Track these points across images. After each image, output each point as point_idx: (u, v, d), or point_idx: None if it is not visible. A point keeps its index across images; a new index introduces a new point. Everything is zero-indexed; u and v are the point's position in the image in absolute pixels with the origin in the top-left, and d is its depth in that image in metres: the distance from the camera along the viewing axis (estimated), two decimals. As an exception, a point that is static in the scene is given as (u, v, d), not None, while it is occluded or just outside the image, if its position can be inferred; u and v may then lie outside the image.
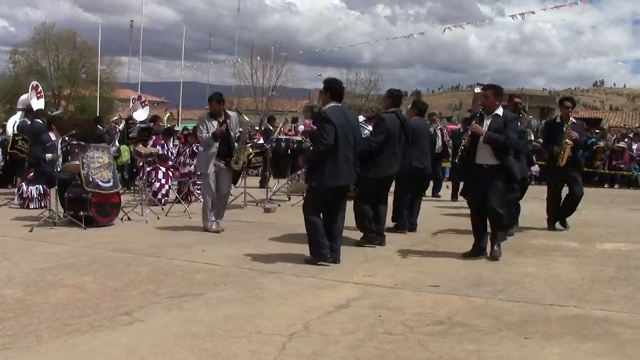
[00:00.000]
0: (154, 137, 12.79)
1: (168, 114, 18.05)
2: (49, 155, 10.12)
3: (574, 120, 9.16)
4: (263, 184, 14.23)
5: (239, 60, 45.09)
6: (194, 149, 11.77)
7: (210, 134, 8.55)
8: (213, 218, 8.77)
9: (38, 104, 13.19)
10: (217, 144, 8.60)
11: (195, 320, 4.69)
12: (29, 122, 12.22)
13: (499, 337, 4.40)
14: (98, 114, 35.30)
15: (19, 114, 13.24)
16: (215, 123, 8.66)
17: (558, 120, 9.36)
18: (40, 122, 11.83)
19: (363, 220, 7.91)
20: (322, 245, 6.68)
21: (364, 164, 7.60)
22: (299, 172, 11.41)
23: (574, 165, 9.12)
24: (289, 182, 12.68)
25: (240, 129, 9.09)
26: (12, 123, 13.07)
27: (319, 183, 6.72)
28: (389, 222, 8.87)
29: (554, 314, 4.99)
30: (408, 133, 8.18)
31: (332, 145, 6.56)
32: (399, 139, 8.01)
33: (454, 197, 13.18)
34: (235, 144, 8.87)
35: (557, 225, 9.21)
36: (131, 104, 17.06)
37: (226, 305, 5.09)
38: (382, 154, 7.82)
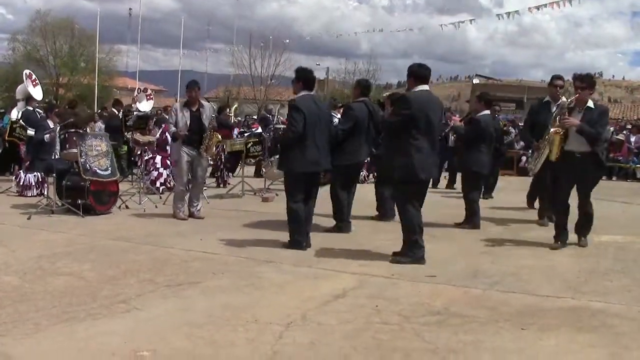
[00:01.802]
0: (163, 125, 12.77)
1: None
2: (47, 136, 10.12)
3: (591, 105, 7.11)
4: (259, 172, 14.29)
5: (237, 49, 45.07)
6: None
7: (173, 131, 8.82)
8: (180, 205, 8.91)
9: (35, 92, 13.10)
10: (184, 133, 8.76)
11: (193, 308, 4.70)
12: (31, 110, 12.17)
13: (495, 328, 4.41)
14: (96, 102, 35.26)
15: (20, 104, 13.18)
16: (188, 113, 8.77)
17: (571, 104, 7.36)
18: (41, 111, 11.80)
19: (340, 209, 8.13)
20: (300, 234, 6.94)
21: (332, 151, 7.73)
22: (272, 159, 11.61)
23: (586, 163, 7.05)
24: (264, 169, 12.82)
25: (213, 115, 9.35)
26: (16, 113, 13.02)
27: (290, 169, 6.94)
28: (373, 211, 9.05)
29: (550, 305, 5.00)
30: (377, 122, 8.29)
31: (301, 132, 6.75)
32: (368, 127, 8.20)
33: None
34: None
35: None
36: (135, 93, 17.00)
37: (223, 294, 5.10)
38: (350, 142, 8.00)
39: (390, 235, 7.84)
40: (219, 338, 4.08)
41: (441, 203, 11.08)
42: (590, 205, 7.29)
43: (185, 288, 5.26)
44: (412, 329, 4.34)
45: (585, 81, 7.13)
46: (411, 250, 6.41)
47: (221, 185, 13.26)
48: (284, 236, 7.45)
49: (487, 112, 8.87)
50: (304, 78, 7.11)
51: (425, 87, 6.54)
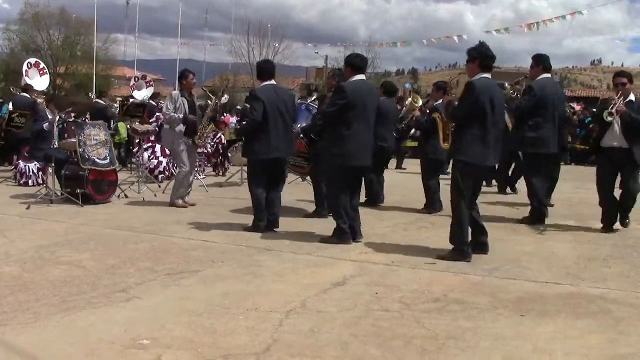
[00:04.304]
0: (156, 115, 12.74)
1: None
2: (46, 125, 10.12)
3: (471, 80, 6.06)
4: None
5: (235, 38, 44.98)
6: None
7: (182, 115, 8.71)
8: (180, 194, 8.94)
9: (41, 81, 13.03)
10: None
11: (193, 297, 4.71)
12: (27, 97, 12.15)
13: (494, 315, 4.43)
14: (94, 92, 35.13)
15: (22, 93, 13.15)
16: (185, 101, 8.78)
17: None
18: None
19: (319, 196, 8.33)
20: (261, 218, 7.23)
21: (317, 142, 7.96)
22: (237, 145, 11.79)
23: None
24: (230, 154, 13.00)
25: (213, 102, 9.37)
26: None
27: (253, 156, 7.30)
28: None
29: (549, 291, 5.01)
30: None
31: (259, 120, 7.06)
32: None
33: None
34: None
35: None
36: (132, 82, 16.85)
37: (223, 282, 5.11)
38: None
39: (389, 223, 7.88)
40: (219, 326, 4.08)
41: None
42: (454, 206, 6.07)
43: (185, 276, 5.26)
44: (412, 316, 4.35)
45: (470, 53, 6.14)
46: (338, 232, 6.65)
47: (220, 174, 13.27)
48: (284, 224, 7.48)
49: None
50: (261, 69, 7.51)
51: (361, 76, 6.75)
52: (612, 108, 7.07)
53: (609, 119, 7.07)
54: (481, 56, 6.06)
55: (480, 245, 6.14)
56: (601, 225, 7.58)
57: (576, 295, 4.91)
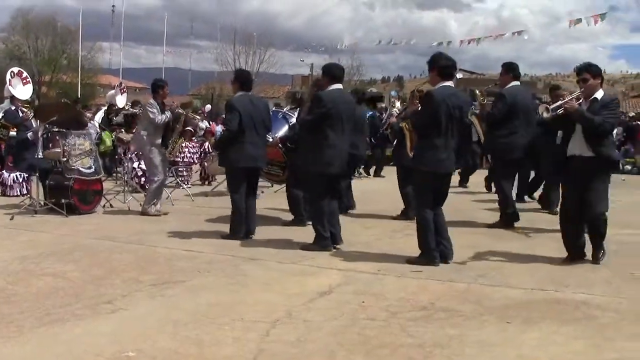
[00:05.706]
0: None
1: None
2: (30, 134, 10.08)
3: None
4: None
5: (222, 46, 45.00)
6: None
7: (169, 114, 8.81)
8: (153, 202, 8.94)
9: (23, 91, 12.94)
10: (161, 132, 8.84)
11: (178, 307, 4.69)
12: (13, 108, 12.06)
13: (480, 322, 4.45)
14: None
15: (6, 102, 13.06)
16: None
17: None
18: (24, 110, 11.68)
19: (297, 205, 8.35)
20: (239, 225, 7.32)
21: (294, 151, 8.02)
22: (213, 154, 11.89)
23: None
24: (206, 163, 13.08)
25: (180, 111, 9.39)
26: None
27: (229, 164, 7.45)
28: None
29: (534, 298, 5.04)
30: None
31: (235, 130, 7.16)
32: None
33: None
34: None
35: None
36: (111, 92, 16.94)
37: (209, 293, 5.09)
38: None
39: (375, 231, 7.89)
40: (205, 337, 4.07)
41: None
42: (417, 213, 6.43)
43: (171, 287, 5.24)
44: (399, 324, 4.36)
45: (428, 63, 6.26)
46: (319, 239, 6.70)
47: (206, 183, 13.24)
48: (270, 233, 7.50)
49: None
50: (241, 79, 7.58)
51: (338, 85, 6.87)
52: (554, 104, 6.18)
53: (545, 115, 6.12)
54: (437, 66, 6.20)
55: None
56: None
57: (561, 302, 4.94)
